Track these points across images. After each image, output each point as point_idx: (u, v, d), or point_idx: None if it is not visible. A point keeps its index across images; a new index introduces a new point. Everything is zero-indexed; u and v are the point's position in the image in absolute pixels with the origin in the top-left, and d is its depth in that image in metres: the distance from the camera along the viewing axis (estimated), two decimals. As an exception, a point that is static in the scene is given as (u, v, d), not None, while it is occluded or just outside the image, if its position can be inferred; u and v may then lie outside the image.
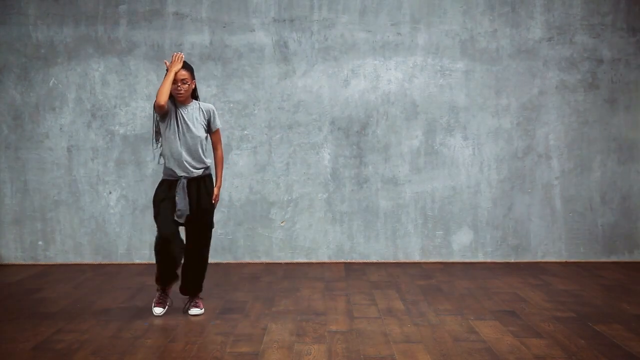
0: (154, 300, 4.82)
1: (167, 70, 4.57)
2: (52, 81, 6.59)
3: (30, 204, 6.61)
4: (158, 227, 4.59)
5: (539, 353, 3.90)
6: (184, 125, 4.59)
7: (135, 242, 6.62)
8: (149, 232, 6.56)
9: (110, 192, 6.61)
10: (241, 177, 6.62)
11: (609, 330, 4.33)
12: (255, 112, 6.62)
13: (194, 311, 4.76)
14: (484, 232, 6.66)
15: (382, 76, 6.62)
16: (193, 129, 4.60)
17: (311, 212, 6.65)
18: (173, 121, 4.58)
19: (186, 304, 4.84)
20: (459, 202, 6.64)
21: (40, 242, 6.63)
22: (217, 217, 6.53)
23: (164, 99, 4.45)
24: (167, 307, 4.80)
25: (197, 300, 4.84)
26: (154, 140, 4.68)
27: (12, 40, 6.56)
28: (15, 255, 6.63)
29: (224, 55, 6.60)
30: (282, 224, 6.65)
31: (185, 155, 4.59)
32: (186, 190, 4.58)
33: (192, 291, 4.84)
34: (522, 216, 6.66)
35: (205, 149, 4.69)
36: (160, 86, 4.50)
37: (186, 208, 4.58)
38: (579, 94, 6.63)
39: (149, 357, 3.87)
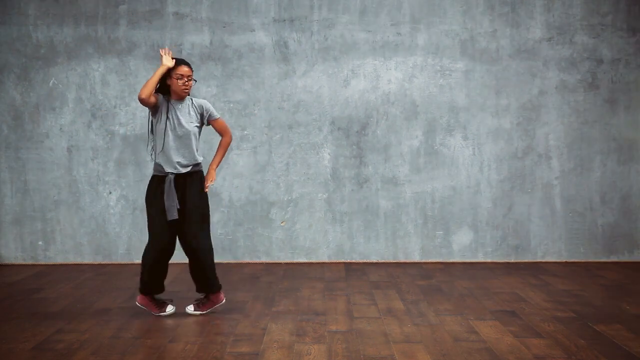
0: (153, 309, 4.75)
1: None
2: (52, 81, 6.59)
3: (30, 204, 6.61)
4: (151, 235, 4.61)
5: (539, 353, 3.90)
6: (175, 120, 4.60)
7: (135, 242, 6.62)
8: (149, 232, 6.57)
9: (110, 192, 6.61)
10: (241, 177, 6.62)
11: (609, 330, 4.33)
12: (255, 112, 6.62)
13: (189, 309, 4.74)
14: (484, 232, 6.66)
15: (382, 76, 6.62)
16: (184, 124, 4.60)
17: (311, 212, 6.65)
18: (164, 116, 4.58)
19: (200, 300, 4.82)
20: (459, 202, 6.64)
21: (40, 242, 6.63)
22: (217, 217, 6.54)
23: (145, 93, 4.44)
24: (171, 304, 4.79)
25: (204, 302, 4.78)
26: (149, 135, 4.69)
27: (12, 40, 6.56)
28: (15, 255, 6.63)
29: (224, 55, 6.60)
30: (282, 224, 6.65)
31: (175, 151, 4.59)
32: (173, 188, 4.56)
33: (209, 288, 4.76)
34: (522, 216, 6.66)
35: (198, 146, 4.69)
36: (149, 80, 4.50)
37: (174, 204, 4.56)
38: (579, 94, 6.63)
39: (149, 357, 3.87)
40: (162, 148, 4.58)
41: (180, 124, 4.60)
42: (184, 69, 4.56)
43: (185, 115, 4.63)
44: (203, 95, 6.55)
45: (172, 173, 4.59)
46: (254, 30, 6.59)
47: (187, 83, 4.57)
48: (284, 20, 6.59)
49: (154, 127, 4.63)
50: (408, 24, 6.61)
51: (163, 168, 4.60)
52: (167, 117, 4.58)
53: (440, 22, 6.60)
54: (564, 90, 6.63)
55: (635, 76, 6.63)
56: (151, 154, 4.70)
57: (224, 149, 4.83)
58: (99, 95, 6.59)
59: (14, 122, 6.59)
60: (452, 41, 6.61)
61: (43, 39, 6.56)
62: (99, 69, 6.58)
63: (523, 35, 6.61)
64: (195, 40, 6.57)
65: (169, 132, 4.58)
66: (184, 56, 6.55)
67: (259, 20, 6.59)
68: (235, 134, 6.59)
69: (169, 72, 4.56)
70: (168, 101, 4.62)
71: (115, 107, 6.59)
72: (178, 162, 4.60)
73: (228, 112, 6.58)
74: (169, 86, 4.60)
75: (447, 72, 6.62)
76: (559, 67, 6.62)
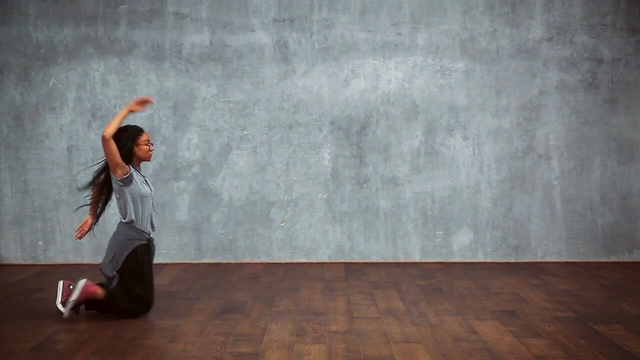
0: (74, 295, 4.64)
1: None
2: (52, 81, 6.59)
3: (30, 204, 6.61)
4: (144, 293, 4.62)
5: (539, 353, 3.90)
6: (147, 184, 4.76)
7: (135, 242, 6.61)
8: (149, 232, 6.57)
9: (110, 192, 6.61)
10: (241, 177, 6.62)
11: (609, 330, 4.33)
12: (255, 112, 6.62)
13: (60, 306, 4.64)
14: (484, 232, 6.66)
15: (382, 76, 6.62)
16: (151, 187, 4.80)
17: (311, 212, 6.65)
18: (139, 181, 4.66)
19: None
20: (459, 202, 6.64)
21: (40, 242, 6.63)
22: (217, 217, 6.56)
23: (109, 132, 4.46)
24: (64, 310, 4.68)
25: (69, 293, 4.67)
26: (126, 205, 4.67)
27: (12, 40, 6.56)
28: (15, 255, 6.63)
29: (224, 55, 6.60)
30: (282, 224, 6.65)
31: (150, 215, 4.76)
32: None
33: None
34: (522, 216, 6.66)
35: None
36: (112, 120, 4.53)
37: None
38: (579, 94, 6.63)
39: (149, 357, 3.87)
40: (146, 212, 4.69)
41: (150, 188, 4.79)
42: (147, 135, 4.71)
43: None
44: (203, 96, 6.55)
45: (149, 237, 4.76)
46: (254, 30, 6.59)
47: (151, 149, 4.74)
48: (284, 20, 6.59)
49: (128, 195, 4.60)
50: (408, 24, 6.61)
51: (145, 234, 4.70)
52: (145, 182, 4.72)
53: (440, 22, 6.60)
54: (564, 90, 6.63)
55: (635, 76, 6.63)
56: (131, 221, 4.64)
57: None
58: (99, 95, 6.59)
59: (14, 122, 6.59)
60: (452, 41, 6.62)
61: (43, 39, 6.56)
62: (99, 69, 6.58)
63: (523, 35, 6.61)
64: (195, 40, 6.57)
65: (150, 197, 4.72)
66: (183, 56, 6.56)
67: (259, 20, 6.59)
68: (235, 134, 6.59)
69: (134, 140, 4.61)
70: (135, 169, 4.70)
71: (115, 107, 6.59)
72: (152, 225, 4.80)
73: (228, 112, 6.59)
74: (134, 154, 4.64)
75: (447, 72, 6.62)
76: (559, 67, 6.62)
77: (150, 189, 4.73)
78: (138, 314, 4.64)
